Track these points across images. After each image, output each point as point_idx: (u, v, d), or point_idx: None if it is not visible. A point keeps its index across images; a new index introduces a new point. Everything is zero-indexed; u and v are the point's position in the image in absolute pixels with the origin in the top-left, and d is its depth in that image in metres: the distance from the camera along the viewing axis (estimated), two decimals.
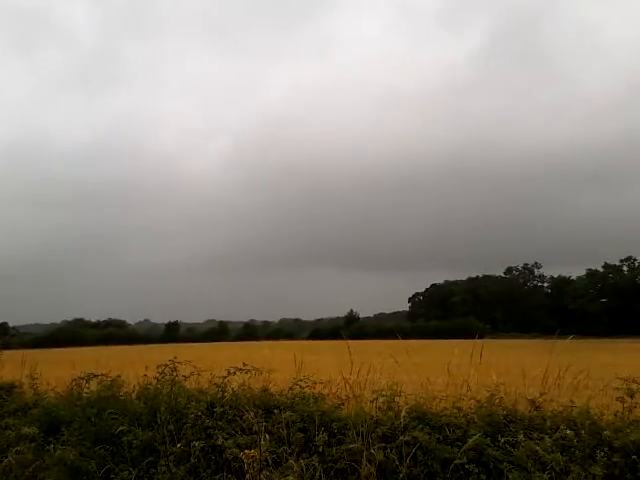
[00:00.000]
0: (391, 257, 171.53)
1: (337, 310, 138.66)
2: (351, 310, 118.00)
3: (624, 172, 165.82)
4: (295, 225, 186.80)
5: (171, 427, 6.45)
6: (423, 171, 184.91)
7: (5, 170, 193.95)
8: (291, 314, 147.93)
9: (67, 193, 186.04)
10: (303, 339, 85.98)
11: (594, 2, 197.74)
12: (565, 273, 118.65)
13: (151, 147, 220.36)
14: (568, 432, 5.27)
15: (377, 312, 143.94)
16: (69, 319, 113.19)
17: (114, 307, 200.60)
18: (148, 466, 6.24)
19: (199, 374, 7.85)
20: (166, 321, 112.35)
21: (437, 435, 5.57)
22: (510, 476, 4.97)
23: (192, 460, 6.02)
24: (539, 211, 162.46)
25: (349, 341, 8.35)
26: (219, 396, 7.12)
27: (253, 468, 5.30)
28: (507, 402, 6.21)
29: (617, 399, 6.00)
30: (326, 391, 7.20)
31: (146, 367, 8.21)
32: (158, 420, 6.61)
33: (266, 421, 6.20)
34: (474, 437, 5.30)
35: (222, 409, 6.62)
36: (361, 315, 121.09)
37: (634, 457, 4.93)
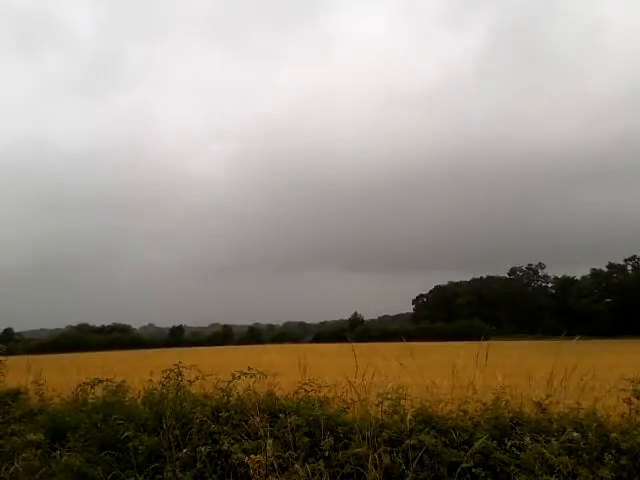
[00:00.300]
0: (395, 259, 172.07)
1: (341, 313, 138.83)
2: (355, 312, 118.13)
3: (628, 171, 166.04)
4: (298, 227, 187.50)
5: (177, 432, 6.44)
6: (426, 171, 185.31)
7: (9, 173, 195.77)
8: (295, 317, 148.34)
9: (71, 197, 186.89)
10: (307, 342, 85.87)
11: (599, 1, 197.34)
12: (569, 273, 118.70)
13: (154, 149, 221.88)
14: (575, 434, 5.25)
15: (381, 314, 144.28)
16: (74, 324, 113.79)
17: (118, 312, 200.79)
18: (154, 472, 6.22)
19: (204, 378, 7.84)
20: (170, 325, 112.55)
21: (443, 438, 5.55)
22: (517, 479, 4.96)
23: (198, 465, 6.01)
24: (543, 211, 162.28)
25: (353, 344, 8.33)
26: (224, 401, 7.11)
27: (259, 473, 5.30)
28: (513, 404, 6.20)
29: (624, 400, 5.98)
30: (331, 395, 7.19)
31: (151, 372, 8.21)
32: (164, 425, 6.60)
33: (272, 426, 6.19)
34: (480, 440, 5.27)
35: (227, 414, 6.62)
36: (365, 317, 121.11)
37: None
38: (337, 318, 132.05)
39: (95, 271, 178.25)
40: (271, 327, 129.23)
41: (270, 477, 5.32)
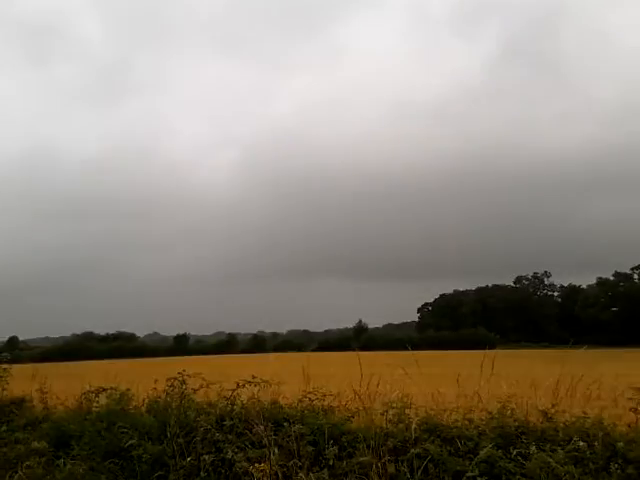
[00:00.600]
0: (400, 267, 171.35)
1: (345, 321, 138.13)
2: (360, 321, 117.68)
3: (634, 179, 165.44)
4: (303, 236, 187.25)
5: (181, 441, 6.43)
6: (432, 180, 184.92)
7: (17, 182, 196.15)
8: (299, 325, 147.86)
9: (77, 204, 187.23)
10: (312, 350, 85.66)
11: (608, 9, 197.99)
12: (575, 282, 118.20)
13: (161, 158, 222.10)
14: (581, 444, 5.21)
15: (386, 323, 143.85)
16: (78, 332, 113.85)
17: (123, 320, 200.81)
18: None
19: (208, 387, 7.83)
20: (175, 333, 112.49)
21: (448, 447, 5.52)
22: None
23: (202, 474, 5.99)
24: (549, 219, 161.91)
25: (358, 352, 8.31)
26: (228, 409, 7.10)
27: None
28: (519, 413, 6.17)
29: (630, 409, 5.96)
30: (336, 403, 7.17)
31: (155, 380, 8.21)
32: (168, 434, 6.60)
33: (276, 434, 6.17)
34: (486, 449, 5.24)
35: (232, 422, 6.60)
36: (370, 326, 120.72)
37: None
38: (341, 326, 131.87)
39: (100, 279, 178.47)
40: (275, 335, 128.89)
41: None
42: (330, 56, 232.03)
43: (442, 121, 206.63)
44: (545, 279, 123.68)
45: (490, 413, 6.16)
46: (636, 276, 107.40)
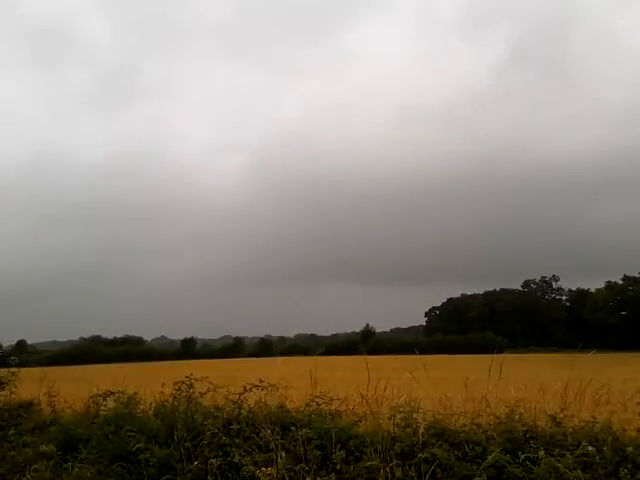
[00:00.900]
0: (407, 271, 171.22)
1: (353, 325, 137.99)
2: (367, 325, 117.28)
3: None
4: (311, 240, 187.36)
5: (188, 444, 6.44)
6: (440, 184, 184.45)
7: (24, 187, 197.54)
8: (307, 329, 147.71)
9: (85, 210, 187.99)
10: (319, 354, 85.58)
11: (616, 12, 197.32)
12: (584, 286, 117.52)
13: (169, 163, 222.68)
14: (590, 448, 5.17)
15: (393, 327, 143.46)
16: (86, 336, 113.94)
17: (130, 324, 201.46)
18: None
19: (215, 391, 7.84)
20: (182, 337, 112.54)
21: (456, 452, 5.50)
22: None
23: (209, 478, 5.99)
24: (557, 222, 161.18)
25: (365, 356, 8.30)
26: (236, 413, 7.10)
27: None
28: (527, 418, 6.13)
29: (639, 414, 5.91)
30: (343, 408, 7.16)
31: (163, 384, 8.22)
32: (175, 437, 6.61)
33: (283, 438, 6.17)
34: (494, 454, 5.21)
35: (239, 426, 6.60)
36: (377, 330, 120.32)
37: None
38: (349, 330, 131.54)
39: (108, 283, 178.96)
40: (282, 339, 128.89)
41: None
42: (338, 61, 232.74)
43: (449, 124, 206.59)
44: (553, 283, 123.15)
45: (498, 417, 6.13)
46: None
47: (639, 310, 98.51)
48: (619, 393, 8.72)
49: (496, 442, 5.60)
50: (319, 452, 5.91)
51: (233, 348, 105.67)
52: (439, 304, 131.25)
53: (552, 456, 5.15)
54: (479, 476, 5.10)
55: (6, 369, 11.30)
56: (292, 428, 6.32)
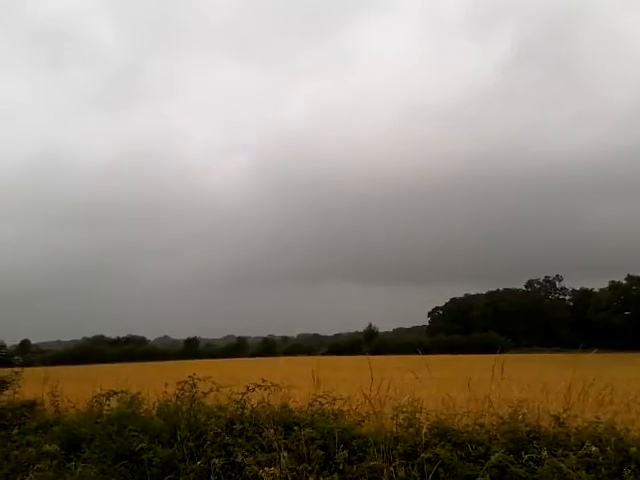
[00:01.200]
0: (410, 271, 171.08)
1: (356, 325, 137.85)
2: (370, 325, 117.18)
3: None
4: (313, 240, 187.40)
5: (191, 444, 6.44)
6: (444, 183, 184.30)
7: (29, 187, 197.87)
8: (310, 329, 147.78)
9: (88, 209, 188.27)
10: (322, 354, 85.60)
11: (623, 10, 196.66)
12: (587, 286, 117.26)
13: (172, 163, 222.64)
14: (594, 449, 5.17)
15: (396, 327, 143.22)
16: (89, 336, 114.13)
17: (134, 323, 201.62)
18: None
19: (218, 390, 7.85)
20: (185, 337, 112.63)
21: (459, 452, 5.49)
22: None
23: (212, 478, 6.00)
24: (561, 222, 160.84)
25: (368, 356, 8.30)
26: (239, 413, 7.10)
27: None
28: (530, 418, 6.13)
29: None
30: (346, 407, 7.15)
31: (166, 384, 8.23)
32: (178, 437, 6.62)
33: (286, 438, 6.17)
34: (497, 454, 5.20)
35: (242, 426, 6.60)
36: (380, 330, 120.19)
37: None
38: (352, 330, 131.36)
39: (111, 283, 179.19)
40: (285, 339, 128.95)
41: None
42: (341, 61, 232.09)
43: (455, 124, 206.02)
44: (557, 283, 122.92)
45: (501, 418, 6.13)
46: None
47: None
48: (623, 393, 8.69)
49: (499, 442, 5.59)
50: (322, 452, 5.91)
51: (236, 348, 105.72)
52: (442, 304, 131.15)
53: (555, 456, 5.14)
54: (482, 476, 5.09)
55: (10, 369, 11.33)
56: (295, 428, 6.32)
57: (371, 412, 6.84)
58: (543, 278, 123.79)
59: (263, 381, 7.42)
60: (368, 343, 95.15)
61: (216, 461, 6.02)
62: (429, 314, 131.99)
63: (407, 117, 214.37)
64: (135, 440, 6.75)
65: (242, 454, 6.01)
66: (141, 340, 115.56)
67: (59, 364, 59.56)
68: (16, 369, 11.10)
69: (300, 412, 6.98)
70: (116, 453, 6.78)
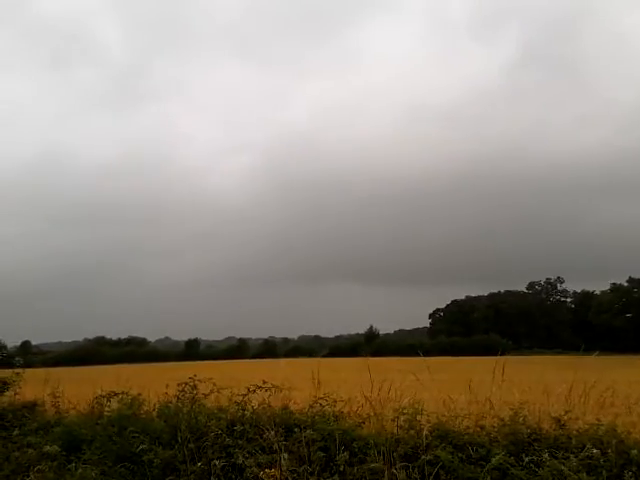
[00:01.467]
0: (411, 273, 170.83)
1: (357, 326, 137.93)
2: (371, 326, 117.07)
3: None
4: (315, 241, 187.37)
5: (191, 445, 6.44)
6: (446, 184, 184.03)
7: (30, 186, 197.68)
8: (311, 331, 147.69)
9: (90, 210, 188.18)
10: (323, 356, 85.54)
11: (627, 11, 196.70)
12: (589, 288, 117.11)
13: (177, 163, 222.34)
14: (595, 451, 5.16)
15: (397, 329, 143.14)
16: (90, 337, 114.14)
17: (135, 325, 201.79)
18: None
19: (219, 392, 7.85)
20: (186, 338, 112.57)
21: (460, 454, 5.48)
22: None
23: (212, 479, 5.99)
24: (562, 224, 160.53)
25: (369, 358, 8.29)
26: (239, 414, 7.10)
27: None
28: (531, 420, 6.12)
29: None
30: (347, 409, 7.15)
31: (166, 385, 8.23)
32: (178, 438, 6.61)
33: (286, 440, 6.16)
34: (498, 456, 5.20)
35: (242, 427, 6.60)
36: (381, 332, 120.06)
37: None
38: (353, 332, 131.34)
39: (113, 284, 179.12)
40: (286, 341, 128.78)
41: None
42: (346, 61, 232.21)
43: (458, 124, 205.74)
44: (558, 285, 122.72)
45: (502, 420, 6.12)
46: None
47: None
48: (624, 396, 8.68)
49: (500, 444, 5.59)
50: (323, 454, 5.90)
51: (237, 349, 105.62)
52: (443, 306, 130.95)
53: (556, 459, 5.13)
54: (483, 478, 5.09)
55: (10, 370, 11.34)
56: (296, 429, 6.32)
57: (372, 414, 6.84)
58: (544, 280, 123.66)
59: (264, 383, 7.42)
60: (369, 345, 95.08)
61: (217, 462, 6.02)
62: (430, 316, 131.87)
63: (410, 117, 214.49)
64: (136, 441, 6.74)
65: (243, 456, 6.00)
66: (142, 341, 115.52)
67: (60, 365, 59.58)
68: (17, 370, 11.11)
69: (301, 414, 6.97)
70: (117, 454, 6.78)
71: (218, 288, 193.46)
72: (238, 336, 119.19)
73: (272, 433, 6.19)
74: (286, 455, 5.81)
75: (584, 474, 4.88)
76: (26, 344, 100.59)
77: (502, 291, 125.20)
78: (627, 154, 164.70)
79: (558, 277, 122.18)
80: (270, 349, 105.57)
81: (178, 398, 7.60)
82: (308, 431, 6.13)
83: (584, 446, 5.30)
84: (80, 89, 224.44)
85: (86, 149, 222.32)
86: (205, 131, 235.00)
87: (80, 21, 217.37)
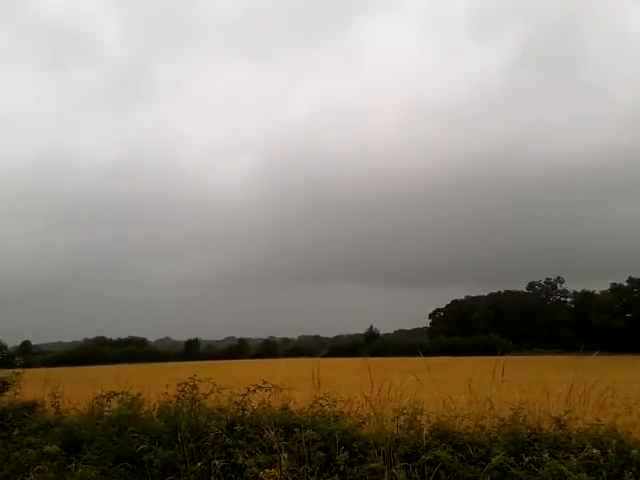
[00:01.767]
0: (411, 273, 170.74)
1: (357, 327, 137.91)
2: (371, 327, 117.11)
3: None
4: (316, 241, 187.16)
5: (191, 446, 6.44)
6: (446, 184, 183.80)
7: (31, 187, 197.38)
8: (311, 331, 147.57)
9: (89, 210, 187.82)
10: (323, 356, 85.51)
11: (627, 11, 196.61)
12: (589, 288, 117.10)
13: (177, 164, 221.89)
14: (595, 451, 5.16)
15: (397, 329, 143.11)
16: (90, 337, 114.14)
17: (135, 325, 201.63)
18: None
19: (219, 392, 7.85)
20: (186, 338, 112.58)
21: (460, 454, 5.48)
22: None
23: (212, 479, 5.99)
24: (562, 225, 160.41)
25: (369, 358, 8.30)
26: (239, 414, 7.10)
27: None
28: (531, 420, 6.12)
29: None
30: (347, 409, 7.15)
31: (166, 385, 8.23)
32: (178, 439, 6.61)
33: (286, 440, 6.17)
34: (498, 456, 5.20)
35: (242, 427, 6.60)
36: (381, 332, 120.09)
37: None
38: (353, 332, 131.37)
39: (112, 284, 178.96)
40: (286, 341, 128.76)
41: None
42: (346, 60, 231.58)
43: (458, 124, 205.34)
44: (558, 285, 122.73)
45: (502, 420, 6.12)
46: None
47: None
48: (624, 396, 8.68)
49: (500, 444, 5.59)
50: (323, 454, 5.91)
51: (237, 349, 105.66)
52: (443, 306, 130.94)
53: (556, 459, 5.13)
54: (483, 479, 5.09)
55: (10, 370, 11.34)
56: (296, 429, 6.32)
57: (372, 414, 6.84)
58: (544, 280, 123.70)
59: (264, 383, 7.42)
60: (369, 345, 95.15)
61: (217, 462, 6.02)
62: (430, 316, 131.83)
63: (411, 117, 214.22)
64: (136, 441, 6.74)
65: (243, 456, 6.01)
66: (142, 341, 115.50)
67: (60, 365, 59.57)
68: (17, 370, 11.12)
69: (301, 414, 6.97)
70: (117, 454, 6.78)
71: (218, 288, 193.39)
72: (238, 336, 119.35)
73: (272, 433, 6.20)
74: (286, 455, 5.81)
75: (584, 474, 4.89)
76: (26, 344, 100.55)
77: (502, 291, 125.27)
78: (627, 154, 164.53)
79: (558, 277, 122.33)
80: (270, 349, 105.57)
81: (178, 398, 7.60)
82: (308, 431, 6.14)
83: (584, 446, 5.31)
84: (80, 89, 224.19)
85: (86, 149, 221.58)
86: (205, 131, 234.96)
87: (80, 21, 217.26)
